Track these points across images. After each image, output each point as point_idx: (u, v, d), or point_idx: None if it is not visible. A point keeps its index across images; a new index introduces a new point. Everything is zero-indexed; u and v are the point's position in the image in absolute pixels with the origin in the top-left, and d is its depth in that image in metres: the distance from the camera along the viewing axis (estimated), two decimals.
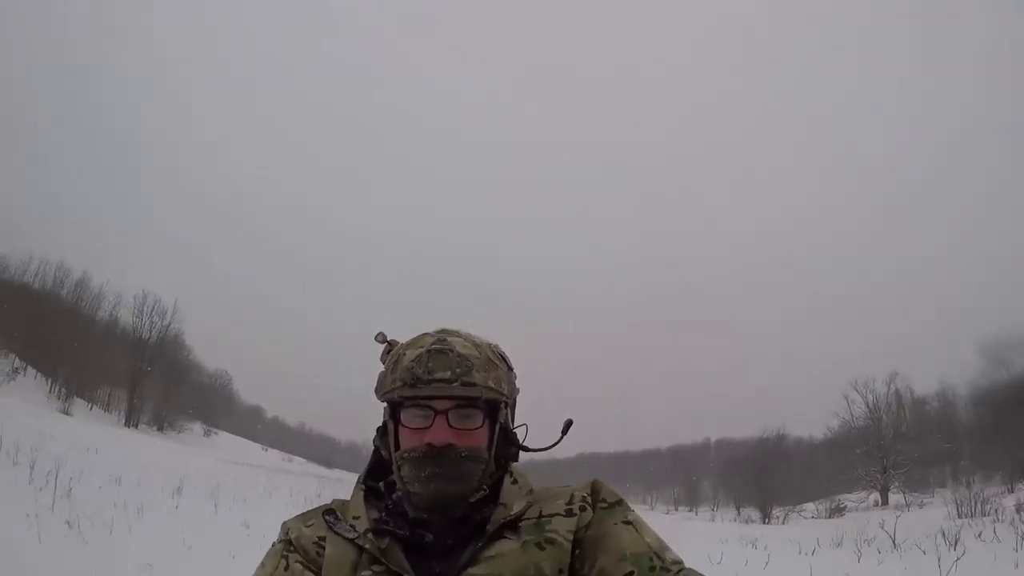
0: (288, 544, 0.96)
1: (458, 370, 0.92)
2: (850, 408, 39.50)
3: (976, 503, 18.94)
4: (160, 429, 46.49)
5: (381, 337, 1.04)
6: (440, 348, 0.94)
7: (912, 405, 41.61)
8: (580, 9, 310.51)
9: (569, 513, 0.94)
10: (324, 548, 0.94)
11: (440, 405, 0.92)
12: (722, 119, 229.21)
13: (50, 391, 38.11)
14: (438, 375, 0.92)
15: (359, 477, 1.05)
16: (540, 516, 0.93)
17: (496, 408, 0.97)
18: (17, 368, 36.28)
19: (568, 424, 1.10)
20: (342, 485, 20.38)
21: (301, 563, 0.93)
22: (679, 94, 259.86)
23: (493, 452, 0.96)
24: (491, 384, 0.94)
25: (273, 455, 67.11)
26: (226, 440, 61.86)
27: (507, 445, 1.01)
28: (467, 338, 0.99)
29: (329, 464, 73.16)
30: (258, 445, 70.80)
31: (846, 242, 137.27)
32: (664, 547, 0.90)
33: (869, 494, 34.01)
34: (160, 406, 47.68)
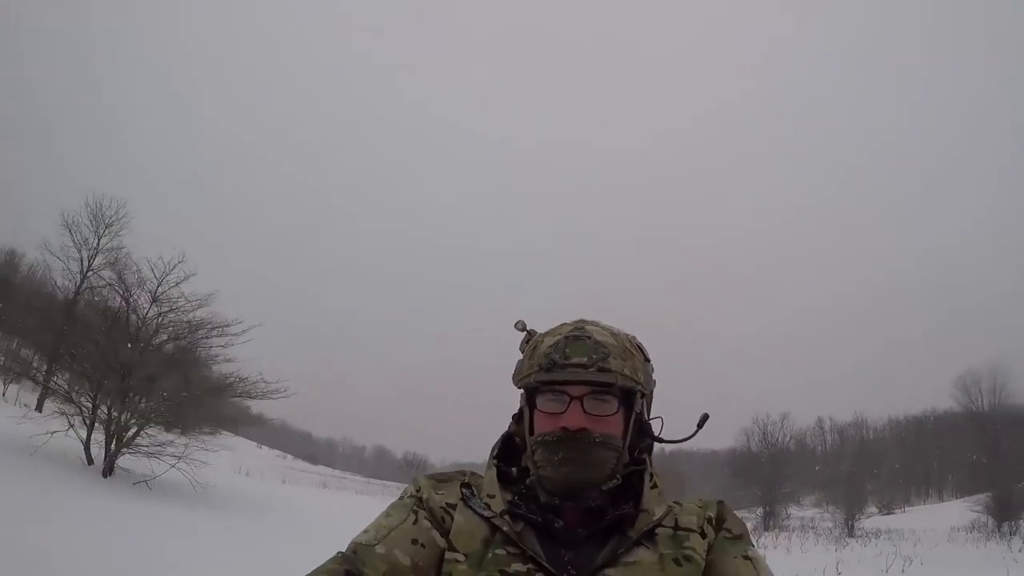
0: (419, 500, 0.97)
1: (594, 356, 0.92)
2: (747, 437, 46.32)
3: (771, 518, 25.19)
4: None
5: (521, 325, 1.04)
6: (577, 335, 0.95)
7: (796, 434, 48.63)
8: (586, 11, 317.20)
9: (703, 533, 0.94)
10: (451, 516, 0.94)
11: (575, 391, 0.92)
12: (728, 121, 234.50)
13: None
14: (575, 360, 0.92)
15: (491, 453, 1.03)
16: (676, 527, 0.94)
17: (631, 397, 0.96)
18: None
19: (704, 418, 1.08)
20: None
21: (429, 521, 0.93)
22: (684, 95, 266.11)
23: (627, 441, 0.95)
24: (627, 372, 0.93)
25: (267, 453, 71.53)
26: (226, 438, 66.40)
27: (641, 436, 1.00)
28: (605, 327, 0.99)
29: (313, 460, 76.73)
30: (252, 442, 75.59)
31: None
32: None
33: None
34: None
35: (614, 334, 0.98)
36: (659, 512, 0.94)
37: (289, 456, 74.55)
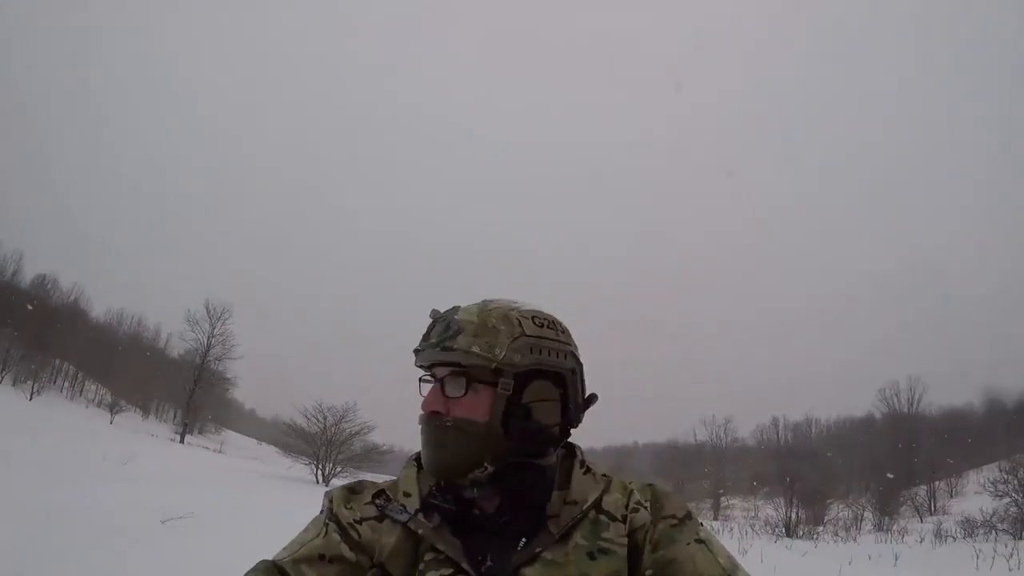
0: (330, 515, 0.94)
1: (444, 335, 0.89)
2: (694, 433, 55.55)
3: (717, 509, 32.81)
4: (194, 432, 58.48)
5: (433, 313, 0.97)
6: (444, 316, 0.92)
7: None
8: (572, 8, 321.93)
9: (625, 519, 0.89)
10: (359, 531, 0.91)
11: (439, 372, 0.91)
12: (714, 118, 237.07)
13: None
14: (428, 342, 0.91)
15: (411, 455, 1.00)
16: (599, 510, 0.89)
17: (500, 376, 0.88)
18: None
19: (592, 397, 0.98)
20: None
21: (337, 534, 0.91)
22: (672, 92, 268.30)
23: (497, 424, 0.88)
24: (476, 349, 0.87)
25: (268, 450, 77.31)
26: (231, 437, 71.76)
27: (522, 419, 0.90)
28: (484, 305, 0.94)
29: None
30: (253, 440, 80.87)
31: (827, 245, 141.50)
32: (736, 566, 0.86)
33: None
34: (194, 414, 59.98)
35: (484, 311, 0.91)
36: (592, 496, 0.90)
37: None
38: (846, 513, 29.35)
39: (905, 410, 51.83)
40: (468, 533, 0.88)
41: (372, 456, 26.72)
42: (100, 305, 59.37)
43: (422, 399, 0.93)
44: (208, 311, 46.82)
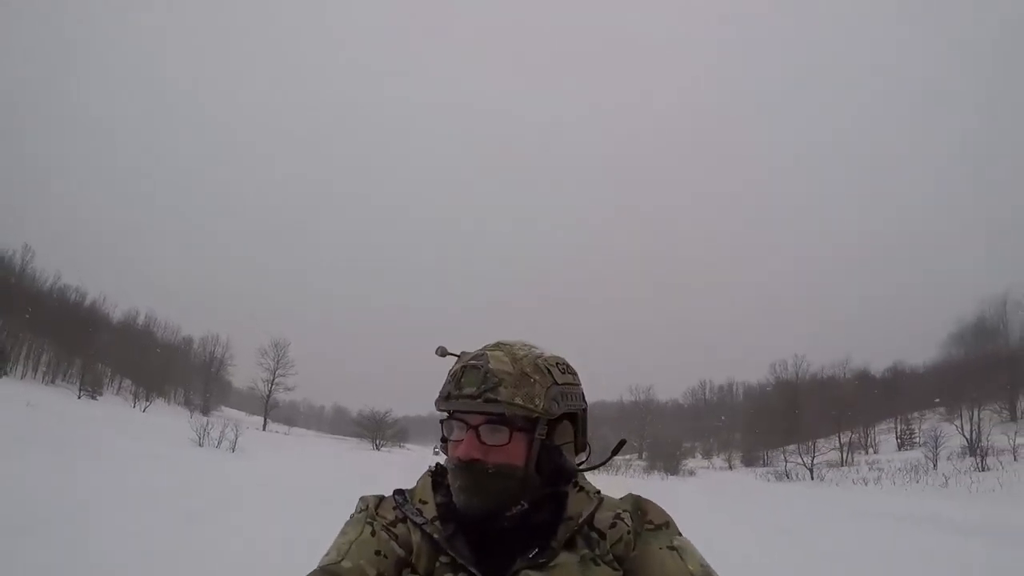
0: (371, 515, 0.98)
1: (483, 386, 0.93)
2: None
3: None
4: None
5: (441, 351, 1.04)
6: (474, 364, 0.96)
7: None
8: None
9: (613, 525, 0.96)
10: (395, 533, 0.96)
11: (473, 420, 0.94)
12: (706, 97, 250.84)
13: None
14: (466, 391, 0.94)
15: (429, 466, 1.07)
16: (591, 528, 0.95)
17: (535, 423, 0.95)
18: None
19: (621, 444, 1.13)
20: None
21: (385, 530, 0.95)
22: (663, 75, 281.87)
23: (533, 467, 0.95)
24: (518, 400, 0.93)
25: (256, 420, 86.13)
26: (229, 413, 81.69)
27: (554, 459, 0.98)
28: (510, 352, 0.99)
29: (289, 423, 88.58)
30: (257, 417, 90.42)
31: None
32: (708, 574, 0.90)
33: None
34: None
35: (516, 359, 0.97)
36: (586, 512, 0.96)
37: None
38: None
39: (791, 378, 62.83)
40: (480, 542, 0.94)
41: (399, 436, 49.15)
42: (109, 300, 67.80)
43: (450, 443, 0.98)
44: (273, 348, 64.29)
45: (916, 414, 50.23)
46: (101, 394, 50.54)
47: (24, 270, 54.86)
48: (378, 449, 43.42)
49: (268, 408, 64.66)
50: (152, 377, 61.23)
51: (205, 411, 66.31)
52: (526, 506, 0.95)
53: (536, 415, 0.95)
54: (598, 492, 1.02)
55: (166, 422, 32.62)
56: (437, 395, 0.99)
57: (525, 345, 1.02)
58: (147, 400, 53.83)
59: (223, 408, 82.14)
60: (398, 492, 1.02)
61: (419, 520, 0.96)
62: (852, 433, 48.45)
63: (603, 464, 1.11)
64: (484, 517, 0.93)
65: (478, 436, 0.94)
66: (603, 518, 0.97)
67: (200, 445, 22.88)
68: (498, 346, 1.01)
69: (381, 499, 1.03)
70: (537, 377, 0.96)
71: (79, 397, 45.48)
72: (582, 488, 1.01)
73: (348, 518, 1.01)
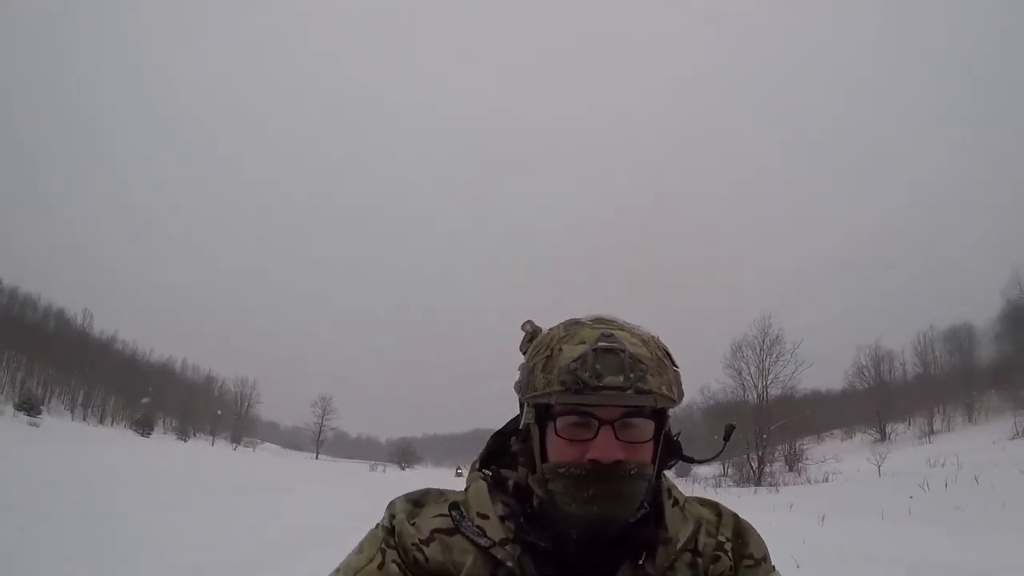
0: (390, 532, 0.85)
1: (632, 375, 0.76)
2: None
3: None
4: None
5: (530, 327, 0.89)
6: (608, 346, 0.78)
7: None
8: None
9: (716, 559, 0.86)
10: (425, 552, 0.82)
11: (605, 414, 0.77)
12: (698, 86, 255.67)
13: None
14: (608, 381, 0.76)
15: (474, 464, 0.93)
16: (696, 552, 0.85)
17: (663, 415, 0.82)
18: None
19: (731, 429, 1.02)
20: None
21: (397, 564, 0.81)
22: (651, 68, 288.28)
23: (657, 465, 0.83)
24: (664, 391, 0.79)
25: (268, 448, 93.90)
26: (268, 446, 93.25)
27: (669, 456, 0.85)
28: (633, 332, 0.83)
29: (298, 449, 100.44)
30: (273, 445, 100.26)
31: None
32: None
33: None
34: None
35: (644, 341, 0.82)
36: (684, 534, 0.84)
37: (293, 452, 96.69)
38: None
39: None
40: (551, 566, 0.79)
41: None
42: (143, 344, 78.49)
43: (559, 442, 0.79)
44: (320, 400, 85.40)
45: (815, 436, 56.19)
46: (152, 431, 59.66)
47: (86, 331, 66.26)
48: (403, 469, 63.81)
49: (319, 444, 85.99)
50: (196, 415, 73.08)
51: (238, 441, 77.67)
52: (648, 508, 0.82)
53: (674, 406, 0.83)
54: (692, 503, 0.92)
55: (249, 457, 44.38)
56: (525, 381, 0.83)
57: (632, 324, 0.86)
58: (190, 435, 65.01)
59: (264, 442, 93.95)
60: (453, 506, 0.85)
61: (483, 542, 0.80)
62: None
63: (716, 457, 1.05)
64: (612, 526, 0.78)
65: (614, 433, 0.77)
66: (707, 545, 0.86)
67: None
68: (603, 321, 0.84)
69: (414, 506, 0.87)
70: (667, 361, 0.83)
71: (142, 434, 54.78)
72: (677, 501, 0.88)
73: (374, 526, 0.88)
